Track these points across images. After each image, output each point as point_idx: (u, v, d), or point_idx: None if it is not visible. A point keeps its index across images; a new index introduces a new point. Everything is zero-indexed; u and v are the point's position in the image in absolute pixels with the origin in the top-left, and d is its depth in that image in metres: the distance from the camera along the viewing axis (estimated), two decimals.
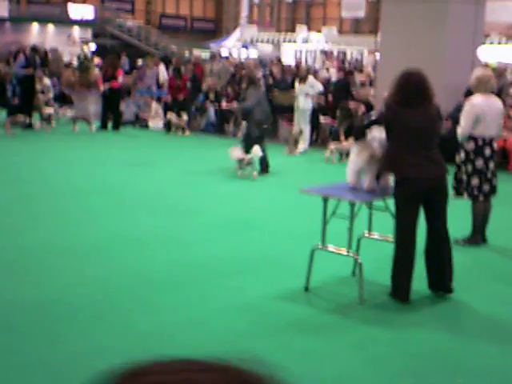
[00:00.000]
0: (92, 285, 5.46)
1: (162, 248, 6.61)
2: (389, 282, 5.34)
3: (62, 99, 16.73)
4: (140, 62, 21.92)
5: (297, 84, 14.04)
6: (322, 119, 14.55)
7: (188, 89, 16.32)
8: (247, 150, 10.67)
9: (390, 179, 5.60)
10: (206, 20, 61.51)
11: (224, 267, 6.09)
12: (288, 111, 14.37)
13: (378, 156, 5.46)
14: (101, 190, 9.25)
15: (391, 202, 5.65)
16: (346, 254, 5.52)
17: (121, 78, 16.14)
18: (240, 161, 10.53)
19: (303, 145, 13.63)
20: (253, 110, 10.89)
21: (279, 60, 21.95)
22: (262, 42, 33.15)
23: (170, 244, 6.77)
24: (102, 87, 15.86)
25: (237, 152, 10.60)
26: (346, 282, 5.78)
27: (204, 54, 30.39)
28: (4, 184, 9.32)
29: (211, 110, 16.38)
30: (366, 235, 6.05)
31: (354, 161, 5.58)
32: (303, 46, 31.83)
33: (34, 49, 17.48)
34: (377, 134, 5.50)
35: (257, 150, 10.43)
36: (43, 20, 30.97)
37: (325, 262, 5.73)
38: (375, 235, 6.06)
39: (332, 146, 12.50)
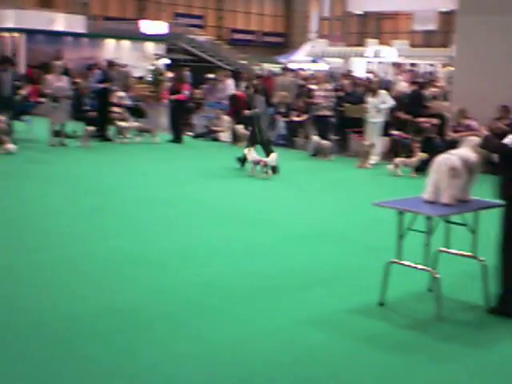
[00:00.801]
0: (167, 294, 5.52)
1: (235, 258, 6.64)
2: (466, 298, 5.18)
3: (134, 112, 17.13)
4: (211, 76, 22.25)
5: (368, 97, 13.92)
6: (394, 132, 14.35)
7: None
8: (266, 152, 11.97)
9: (470, 194, 5.48)
10: (275, 34, 61.90)
11: (297, 279, 6.06)
12: (359, 124, 14.27)
13: (458, 170, 5.34)
14: (171, 200, 9.39)
15: (469, 217, 5.50)
16: (422, 268, 5.40)
17: (186, 92, 16.45)
18: (256, 163, 11.62)
19: (374, 158, 13.49)
20: (261, 115, 12.21)
21: (349, 73, 21.85)
22: (331, 56, 33.07)
23: (243, 255, 6.79)
24: (167, 100, 16.30)
25: (253, 154, 11.64)
26: (422, 297, 5.64)
27: (274, 68, 30.57)
28: (79, 194, 9.59)
29: (281, 123, 16.43)
30: (443, 250, 5.90)
31: (433, 175, 5.46)
32: (374, 59, 31.57)
33: (110, 64, 17.98)
34: (462, 152, 5.46)
35: (273, 157, 11.62)
36: (118, 36, 31.86)
37: (400, 276, 5.62)
38: (453, 251, 5.90)
39: (397, 160, 12.37)
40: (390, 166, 12.35)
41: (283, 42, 59.82)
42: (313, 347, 4.57)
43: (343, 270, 6.41)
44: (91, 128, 14.70)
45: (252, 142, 12.26)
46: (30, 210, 8.41)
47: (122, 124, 15.71)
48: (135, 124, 16.16)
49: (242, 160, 12.26)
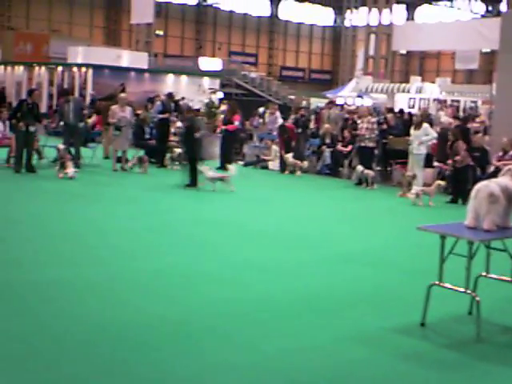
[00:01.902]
0: (218, 306, 5.55)
1: (283, 277, 6.64)
2: (505, 321, 5.04)
3: None
4: (261, 109, 22.49)
5: (412, 130, 13.82)
6: (436, 164, 14.17)
7: (301, 133, 16.66)
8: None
9: (510, 221, 5.37)
10: (323, 72, 62.26)
11: (341, 298, 6.01)
12: (402, 156, 14.15)
13: (496, 197, 5.24)
14: (223, 221, 9.45)
15: (510, 243, 5.38)
16: (463, 291, 5.29)
17: (237, 122, 16.65)
18: (213, 179, 12.14)
19: (416, 188, 13.32)
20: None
21: (393, 108, 21.76)
22: (376, 91, 32.99)
23: (290, 274, 6.78)
24: (220, 130, 16.58)
25: (210, 172, 12.20)
26: (463, 319, 5.52)
27: (319, 103, 30.67)
28: (139, 214, 9.75)
29: (326, 153, 16.43)
30: (483, 275, 5.77)
31: (473, 201, 5.38)
32: (416, 95, 31.34)
33: (170, 96, 18.37)
34: (502, 180, 5.39)
35: (232, 169, 12.41)
36: (177, 71, 32.57)
37: (441, 298, 5.52)
38: (493, 275, 5.76)
39: (416, 189, 12.22)
40: (412, 196, 12.22)
41: (330, 79, 60.06)
42: (354, 363, 4.52)
43: (385, 291, 6.33)
44: (145, 157, 14.90)
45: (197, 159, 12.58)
46: (96, 227, 8.59)
47: (178, 151, 15.92)
48: None
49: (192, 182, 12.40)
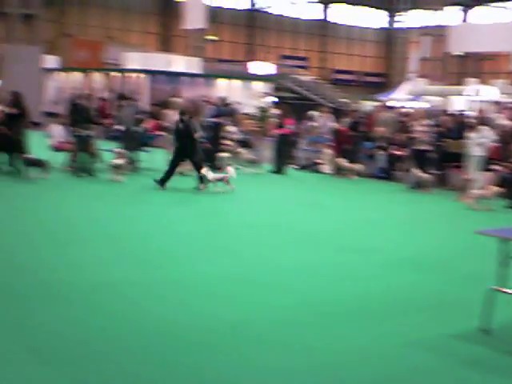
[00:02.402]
0: (273, 310, 5.58)
1: (340, 281, 6.62)
2: None
3: (243, 144, 17.52)
4: (313, 112, 22.41)
5: (469, 133, 13.55)
6: (495, 167, 13.83)
7: (354, 136, 16.48)
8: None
9: None
10: (375, 75, 61.63)
11: (399, 303, 5.96)
12: (459, 159, 13.88)
13: None
14: (277, 225, 9.47)
15: None
16: None
17: (290, 126, 16.63)
18: (218, 180, 12.19)
19: (475, 192, 13.04)
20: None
21: (449, 110, 21.34)
22: (431, 94, 32.45)
23: (347, 278, 6.75)
24: (273, 134, 16.60)
25: (211, 174, 12.25)
26: None
27: (371, 106, 30.29)
28: (194, 217, 9.88)
29: (381, 157, 16.26)
30: None
31: None
32: (474, 97, 30.68)
33: (222, 100, 18.54)
34: None
35: (231, 171, 12.35)
36: (230, 76, 32.82)
37: (502, 304, 5.39)
38: None
39: (473, 192, 11.92)
40: (469, 200, 11.95)
41: (382, 82, 59.39)
42: (415, 368, 4.47)
43: (443, 296, 6.25)
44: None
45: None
46: (145, 229, 8.75)
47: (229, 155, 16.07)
48: (245, 155, 16.53)
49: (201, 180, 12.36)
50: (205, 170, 12.21)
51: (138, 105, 16.61)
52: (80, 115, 13.43)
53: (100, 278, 6.24)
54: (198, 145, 12.71)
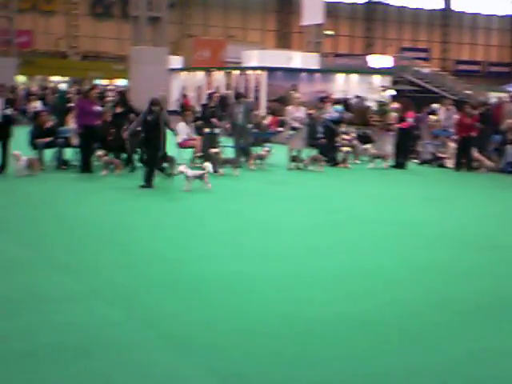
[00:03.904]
0: (404, 307, 5.44)
1: (461, 278, 6.36)
2: None
3: (364, 139, 17.25)
4: (435, 105, 21.62)
5: None
6: None
7: (478, 128, 15.71)
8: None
9: None
10: (501, 64, 58.47)
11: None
12: None
13: None
14: (398, 221, 9.23)
15: None
16: None
17: (410, 119, 16.13)
18: (192, 177, 11.11)
19: None
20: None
21: None
22: None
23: (468, 275, 6.47)
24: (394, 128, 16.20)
25: (187, 170, 11.20)
26: None
27: (498, 98, 28.73)
28: (310, 212, 9.85)
29: (510, 150, 15.38)
30: None
31: None
32: None
33: (345, 100, 18.42)
34: None
35: (208, 167, 11.42)
36: (347, 70, 32.47)
37: None
38: None
39: None
40: None
41: (510, 72, 56.27)
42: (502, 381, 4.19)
43: None
44: (319, 156, 15.03)
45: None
46: (269, 224, 8.83)
47: (345, 149, 15.85)
48: (368, 150, 16.30)
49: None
50: (183, 168, 11.27)
51: (251, 102, 16.80)
52: (207, 114, 13.87)
53: (223, 268, 6.35)
54: (164, 138, 11.54)
